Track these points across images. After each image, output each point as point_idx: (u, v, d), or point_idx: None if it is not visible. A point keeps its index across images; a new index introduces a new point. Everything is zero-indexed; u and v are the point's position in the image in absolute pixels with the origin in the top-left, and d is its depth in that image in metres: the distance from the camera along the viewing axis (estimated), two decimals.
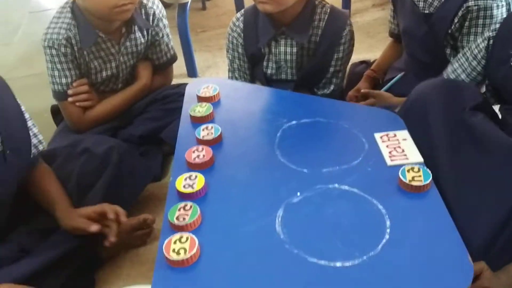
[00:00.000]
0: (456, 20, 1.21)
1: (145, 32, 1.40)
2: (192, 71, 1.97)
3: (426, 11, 1.27)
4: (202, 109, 1.07)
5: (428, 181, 0.82)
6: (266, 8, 1.18)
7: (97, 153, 1.14)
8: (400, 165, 0.87)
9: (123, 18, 1.28)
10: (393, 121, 1.01)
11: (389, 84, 1.43)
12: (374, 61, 1.60)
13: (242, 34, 1.35)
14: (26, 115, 1.05)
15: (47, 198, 1.07)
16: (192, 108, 1.08)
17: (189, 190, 0.85)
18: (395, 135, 0.95)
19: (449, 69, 1.17)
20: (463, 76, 1.13)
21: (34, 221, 1.07)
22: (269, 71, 1.36)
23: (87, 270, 1.09)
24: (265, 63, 1.35)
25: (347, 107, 1.09)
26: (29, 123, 1.06)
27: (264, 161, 0.93)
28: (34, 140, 1.07)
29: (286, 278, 0.71)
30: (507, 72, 1.02)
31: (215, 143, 0.98)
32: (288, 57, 1.31)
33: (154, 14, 1.41)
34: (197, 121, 1.06)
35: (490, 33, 1.06)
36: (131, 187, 1.20)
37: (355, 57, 1.86)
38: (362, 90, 1.44)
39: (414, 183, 0.81)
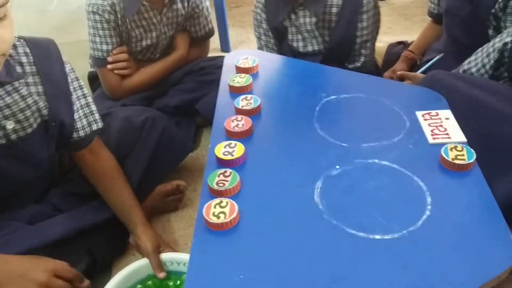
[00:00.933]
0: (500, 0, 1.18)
1: (185, 3, 1.40)
2: (225, 46, 1.97)
3: None
4: (241, 80, 1.07)
5: (471, 160, 0.80)
6: None
7: (136, 122, 1.15)
8: (442, 144, 0.86)
9: None
10: (436, 100, 0.99)
11: (427, 65, 1.41)
12: (411, 42, 1.58)
13: (264, 9, 1.35)
14: (85, 91, 1.02)
15: (121, 204, 1.03)
16: (231, 78, 1.08)
17: (228, 157, 0.85)
18: (437, 114, 0.94)
19: (467, 60, 1.15)
20: (473, 70, 1.11)
21: (69, 184, 1.09)
22: (294, 44, 1.36)
23: (119, 235, 1.11)
24: (290, 37, 1.35)
25: (388, 84, 1.08)
26: (88, 100, 1.02)
27: (303, 133, 0.93)
28: (89, 118, 1.01)
29: (324, 247, 0.72)
30: None
31: (254, 114, 0.98)
32: (309, 27, 1.31)
33: None
34: (236, 91, 1.06)
35: (510, 39, 1.02)
36: (169, 159, 1.22)
37: (392, 39, 1.84)
38: (398, 72, 1.42)
39: (457, 162, 0.80)
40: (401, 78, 1.43)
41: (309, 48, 1.35)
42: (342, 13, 1.27)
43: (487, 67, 1.08)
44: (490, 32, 1.23)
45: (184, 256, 0.96)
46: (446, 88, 1.01)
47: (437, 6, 1.43)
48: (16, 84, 0.88)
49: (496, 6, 1.18)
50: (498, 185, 0.84)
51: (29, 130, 0.91)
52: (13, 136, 0.90)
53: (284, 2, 1.30)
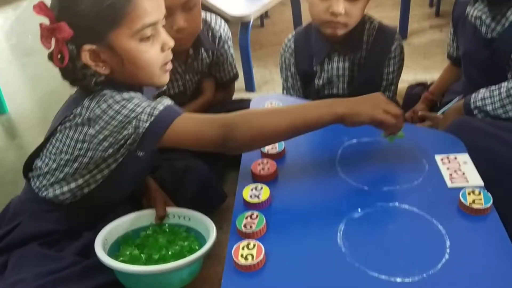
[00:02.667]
0: None
1: (210, 53, 1.48)
2: (250, 86, 2.05)
3: (489, 36, 1.28)
4: None
5: (488, 205, 0.83)
6: (338, 32, 1.24)
7: (178, 167, 1.22)
8: (461, 188, 0.89)
9: (180, 49, 1.31)
10: (454, 144, 1.03)
11: (446, 107, 1.44)
12: (431, 83, 1.62)
13: (294, 54, 1.41)
14: None
15: None
16: None
17: (255, 200, 0.91)
18: (455, 158, 0.98)
19: (480, 95, 1.18)
20: (489, 108, 1.14)
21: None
22: (321, 87, 1.41)
23: None
24: (316, 81, 1.40)
25: (407, 127, 1.11)
26: None
27: (325, 176, 0.98)
28: None
29: None
30: None
31: (279, 157, 1.04)
32: (341, 72, 1.36)
33: (220, 37, 1.50)
34: None
35: None
36: (205, 206, 1.29)
37: (411, 78, 1.89)
38: (419, 113, 1.46)
39: (474, 206, 0.83)
40: (422, 119, 1.47)
41: (334, 91, 1.41)
42: (370, 57, 1.33)
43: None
44: (509, 75, 1.27)
45: (187, 211, 1.08)
46: (477, 133, 1.04)
47: (456, 50, 1.48)
48: None
49: None
50: None
51: None
52: None
53: (320, 48, 1.35)
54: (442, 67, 1.63)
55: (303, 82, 1.46)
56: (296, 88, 1.47)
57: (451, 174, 0.93)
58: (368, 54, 1.32)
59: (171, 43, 0.95)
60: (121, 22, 0.87)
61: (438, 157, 0.98)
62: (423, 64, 2.11)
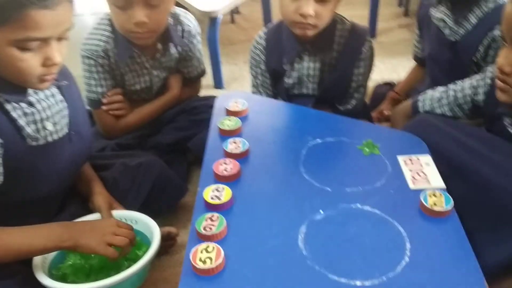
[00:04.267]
0: (481, 49, 1.23)
1: (179, 48, 1.45)
2: (218, 83, 2.02)
3: (451, 39, 1.30)
4: (230, 123, 1.11)
5: (449, 207, 0.84)
6: (307, 33, 1.22)
7: (131, 166, 1.19)
8: (422, 190, 0.89)
9: (141, 43, 1.34)
10: (416, 145, 1.03)
11: None
12: (397, 83, 1.63)
13: (264, 51, 1.39)
14: None
15: (83, 175, 1.13)
16: (221, 121, 1.12)
17: (216, 201, 0.88)
18: (418, 159, 0.98)
19: (427, 101, 1.19)
20: (438, 111, 1.15)
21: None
22: (290, 86, 1.40)
23: None
24: (286, 80, 1.39)
25: (371, 128, 1.12)
26: None
27: (289, 177, 0.97)
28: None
29: None
30: (502, 128, 1.04)
31: (242, 157, 1.02)
32: (311, 72, 1.35)
33: (189, 32, 1.46)
34: (226, 134, 1.10)
35: (479, 82, 1.07)
36: (164, 202, 1.27)
37: (379, 77, 1.90)
38: (385, 112, 1.47)
39: (435, 208, 0.84)
40: (388, 119, 1.48)
41: (304, 91, 1.40)
42: (340, 58, 1.32)
43: (458, 109, 1.13)
44: None
45: (134, 214, 1.07)
46: (436, 132, 1.05)
47: (422, 51, 1.49)
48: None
49: (478, 55, 1.23)
50: (489, 248, 0.87)
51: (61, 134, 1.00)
52: (49, 138, 0.97)
53: (290, 48, 1.33)
54: (409, 66, 1.64)
55: (273, 80, 1.44)
56: (265, 85, 1.45)
57: (413, 176, 0.94)
58: (339, 55, 1.31)
59: (56, 59, 0.87)
60: (4, 24, 0.80)
61: (400, 158, 0.99)
62: (390, 63, 2.12)
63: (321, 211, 0.87)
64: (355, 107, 1.38)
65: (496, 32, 1.18)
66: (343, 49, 1.31)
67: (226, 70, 2.12)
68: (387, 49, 2.23)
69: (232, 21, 2.70)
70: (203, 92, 1.66)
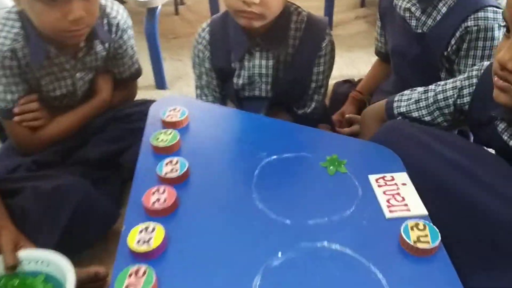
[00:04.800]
0: (453, 42, 1.08)
1: (106, 45, 1.22)
2: (160, 83, 1.80)
3: (419, 31, 1.15)
4: (166, 138, 0.90)
5: (436, 243, 0.68)
6: (253, 24, 1.03)
7: (45, 191, 0.97)
8: (401, 218, 0.73)
9: (75, 42, 1.11)
10: (389, 160, 0.87)
11: None
12: (359, 81, 1.48)
13: (209, 47, 1.19)
14: None
15: None
16: (154, 135, 0.91)
17: (144, 248, 0.68)
18: (392, 178, 0.81)
19: (403, 102, 1.03)
20: (415, 114, 1.00)
21: None
22: (240, 87, 1.21)
23: None
24: (236, 80, 1.20)
25: (335, 139, 0.95)
26: None
27: (239, 207, 0.78)
28: None
29: None
30: (491, 134, 0.89)
31: (180, 182, 0.82)
32: (264, 71, 1.16)
33: (118, 25, 1.24)
34: (160, 152, 0.89)
35: (463, 82, 0.92)
36: (89, 233, 1.05)
37: (337, 73, 1.74)
38: (346, 115, 1.31)
39: (420, 245, 0.67)
40: (350, 122, 1.32)
41: (256, 92, 1.21)
42: (298, 54, 1.14)
43: (439, 119, 0.97)
44: (443, 75, 1.14)
45: (42, 254, 0.88)
46: (411, 143, 0.89)
47: (384, 45, 1.34)
48: None
49: (449, 49, 1.09)
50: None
51: None
52: None
53: (239, 42, 1.14)
54: (369, 60, 1.49)
55: (220, 80, 1.25)
56: (211, 87, 1.25)
57: (388, 200, 0.77)
58: (296, 51, 1.13)
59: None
60: None
61: (372, 178, 0.82)
62: (349, 57, 1.97)
63: (279, 253, 0.69)
64: (314, 110, 1.21)
65: (471, 23, 1.04)
66: (300, 44, 1.13)
67: (169, 67, 1.89)
68: (344, 42, 2.08)
69: (176, 12, 2.46)
70: (142, 94, 1.44)
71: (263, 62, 1.15)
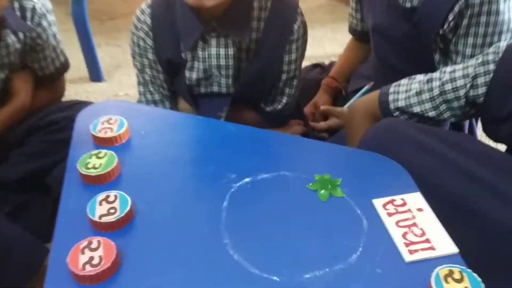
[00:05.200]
0: (450, 17, 0.90)
1: (21, 35, 0.96)
2: (95, 74, 1.52)
3: (408, 5, 0.96)
4: (99, 162, 0.67)
5: None
6: (204, 4, 0.80)
7: None
8: (425, 261, 0.55)
9: None
10: (396, 175, 0.68)
11: (355, 98, 1.11)
12: (330, 64, 1.28)
13: (151, 34, 0.95)
14: None
15: None
16: (83, 160, 0.67)
17: None
18: (404, 202, 0.63)
19: (401, 94, 0.85)
20: (416, 109, 0.82)
21: None
22: (194, 83, 0.98)
23: None
24: (187, 73, 0.97)
25: (323, 149, 0.75)
26: None
27: (206, 261, 0.56)
28: None
29: None
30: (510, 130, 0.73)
31: (120, 228, 0.59)
32: (222, 61, 0.94)
33: (34, 9, 0.99)
34: (91, 183, 0.66)
35: (477, 69, 0.75)
36: (6, 279, 0.82)
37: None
38: (321, 107, 1.11)
39: None
40: (325, 115, 1.12)
41: (215, 88, 0.98)
42: (264, 40, 0.92)
43: (447, 111, 0.79)
44: (437, 57, 0.96)
45: None
46: (409, 146, 0.71)
47: (361, 22, 1.14)
48: None
49: (445, 26, 0.90)
50: None
51: None
52: None
53: (189, 26, 0.90)
54: (334, 38, 1.30)
55: (169, 74, 1.01)
56: (158, 83, 1.01)
57: (405, 236, 0.58)
58: (262, 36, 0.92)
59: None
60: None
61: (378, 203, 0.63)
62: (313, 36, 1.75)
63: None
64: (286, 106, 1.00)
65: None
66: (266, 27, 0.91)
67: (105, 55, 1.62)
68: (306, 19, 1.87)
69: None
70: (74, 90, 1.19)
71: (222, 51, 0.92)
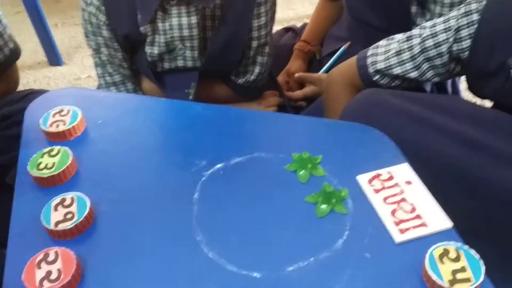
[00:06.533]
0: None
1: None
2: (54, 57, 1.42)
3: None
4: (52, 161, 0.60)
5: (481, 278, 0.45)
6: None
7: None
8: (418, 240, 0.50)
9: None
10: (380, 146, 0.62)
11: (331, 61, 1.05)
12: (303, 27, 1.20)
13: (103, 9, 0.87)
14: None
15: None
16: (33, 160, 0.60)
17: None
18: (390, 176, 0.57)
19: (380, 56, 0.78)
20: (397, 71, 0.76)
21: None
22: (156, 58, 0.90)
23: None
24: (148, 48, 0.89)
25: (299, 123, 0.69)
26: None
27: (179, 262, 0.51)
28: None
29: None
30: (500, 85, 0.67)
31: (79, 234, 0.53)
32: (186, 32, 0.86)
33: None
34: (46, 185, 0.59)
35: (460, 21, 0.68)
36: None
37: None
38: (295, 74, 1.04)
39: (459, 287, 0.45)
40: (301, 83, 1.06)
41: (180, 63, 0.91)
42: (230, 5, 0.84)
43: (426, 65, 0.73)
44: (414, 9, 0.89)
45: None
46: (395, 116, 0.66)
47: None
48: None
49: None
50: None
51: None
52: None
53: None
54: None
55: (127, 51, 0.93)
56: (116, 62, 0.93)
57: (394, 213, 0.53)
58: (227, 0, 0.84)
59: None
60: None
61: (362, 180, 0.57)
62: None
63: None
64: (259, 76, 0.93)
65: None
66: None
67: (63, 36, 1.51)
68: None
69: None
70: (33, 76, 1.09)
71: (184, 20, 0.84)
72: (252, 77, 0.94)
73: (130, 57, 0.94)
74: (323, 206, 0.54)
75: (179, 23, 0.85)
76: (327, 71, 1.03)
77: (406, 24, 0.91)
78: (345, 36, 1.06)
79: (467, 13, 0.67)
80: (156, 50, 0.89)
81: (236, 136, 0.65)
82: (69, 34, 1.56)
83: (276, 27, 1.29)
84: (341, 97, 0.79)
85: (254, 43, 0.90)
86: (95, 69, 0.96)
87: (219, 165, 0.61)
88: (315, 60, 1.12)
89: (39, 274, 0.48)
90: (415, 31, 0.74)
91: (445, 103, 0.67)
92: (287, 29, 1.24)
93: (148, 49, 0.89)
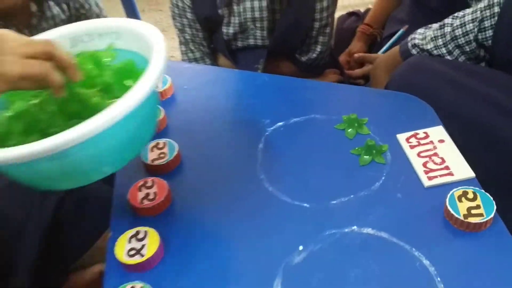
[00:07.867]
0: None
1: (64, 6, 1.04)
2: None
3: None
4: None
5: (491, 215, 0.55)
6: None
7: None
8: (443, 185, 0.60)
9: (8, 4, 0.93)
10: (419, 111, 0.72)
11: (390, 42, 1.13)
12: (366, 12, 1.29)
13: None
14: None
15: None
16: None
17: (135, 259, 0.56)
18: (426, 135, 0.67)
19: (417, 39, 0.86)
20: (443, 50, 0.82)
21: None
22: (232, 37, 1.04)
23: None
24: (224, 28, 1.03)
25: (350, 92, 0.80)
26: None
27: (245, 195, 0.64)
28: None
29: None
30: None
31: (170, 170, 0.68)
32: (257, 14, 0.99)
33: None
34: None
35: (484, 13, 0.74)
36: (79, 236, 0.90)
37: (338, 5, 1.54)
38: (355, 55, 1.14)
39: (472, 220, 0.54)
40: (361, 62, 1.15)
41: (251, 41, 1.05)
42: None
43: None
44: None
45: (107, 22, 0.65)
46: (438, 80, 0.75)
47: None
48: None
49: None
50: None
51: None
52: None
53: None
54: None
55: (208, 32, 1.08)
56: (197, 41, 1.09)
57: (425, 164, 0.63)
58: None
59: None
60: None
61: (401, 138, 0.67)
62: None
63: (300, 247, 0.57)
64: (320, 55, 1.05)
65: None
66: None
67: (149, 20, 1.70)
68: None
69: None
70: None
71: (256, 3, 0.98)
72: (314, 55, 1.05)
73: (209, 36, 1.09)
74: (365, 157, 0.65)
75: (252, 6, 0.98)
76: (385, 52, 1.11)
77: (463, 6, 0.97)
78: (405, 18, 1.13)
79: (490, 6, 0.74)
80: (231, 30, 1.03)
81: (296, 101, 0.77)
82: (154, 19, 1.75)
83: (341, 12, 1.39)
84: (382, 81, 0.88)
85: (317, 24, 1.01)
86: (179, 46, 1.12)
87: (280, 123, 0.73)
88: (376, 42, 1.20)
89: (140, 195, 0.63)
90: (448, 20, 0.81)
91: (484, 72, 0.75)
92: (350, 14, 1.33)
93: (224, 29, 1.04)
